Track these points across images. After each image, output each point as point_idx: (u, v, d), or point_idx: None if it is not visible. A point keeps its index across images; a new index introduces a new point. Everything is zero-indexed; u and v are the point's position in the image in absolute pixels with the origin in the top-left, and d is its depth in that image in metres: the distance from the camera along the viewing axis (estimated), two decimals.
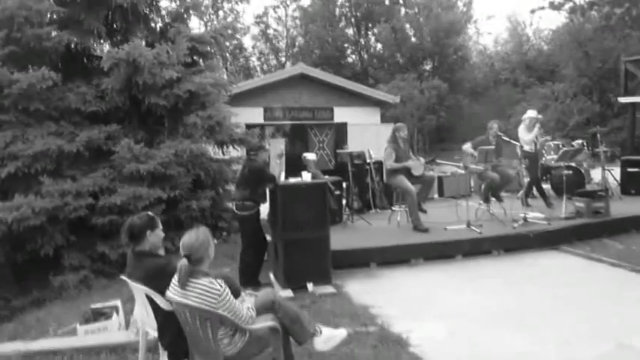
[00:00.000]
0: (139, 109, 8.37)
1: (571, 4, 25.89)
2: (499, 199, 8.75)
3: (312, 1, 31.38)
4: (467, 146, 8.57)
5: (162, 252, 3.75)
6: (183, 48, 8.55)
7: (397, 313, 5.03)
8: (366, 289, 5.90)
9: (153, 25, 9.43)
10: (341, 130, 16.86)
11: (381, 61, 31.10)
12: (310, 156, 9.02)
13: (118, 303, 5.27)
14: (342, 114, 16.99)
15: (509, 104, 27.28)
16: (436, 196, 11.59)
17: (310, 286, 5.77)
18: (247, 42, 34.52)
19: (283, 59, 31.67)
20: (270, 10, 31.63)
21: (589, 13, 26.41)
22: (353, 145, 15.90)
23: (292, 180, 6.26)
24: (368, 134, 15.89)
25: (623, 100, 12.68)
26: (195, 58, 9.39)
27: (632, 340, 4.24)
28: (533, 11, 31.01)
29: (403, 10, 31.34)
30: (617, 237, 7.78)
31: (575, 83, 24.23)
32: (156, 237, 3.54)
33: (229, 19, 30.42)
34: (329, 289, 5.78)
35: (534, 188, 9.76)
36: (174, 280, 3.07)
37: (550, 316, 4.91)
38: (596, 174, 11.78)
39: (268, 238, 6.46)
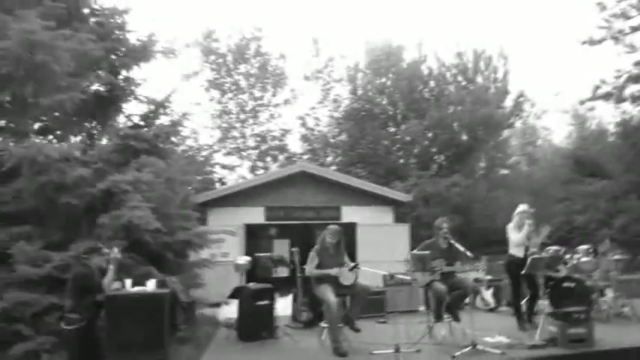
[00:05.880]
0: (56, 208, 7.91)
1: (616, 92, 24.28)
2: (455, 318, 7.16)
3: (350, 101, 31.06)
4: (413, 253, 7.37)
5: None
6: (110, 144, 8.28)
7: None
8: None
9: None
10: (350, 230, 15.70)
11: (415, 157, 29.71)
12: (241, 260, 8.08)
13: None
14: (350, 213, 15.89)
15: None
16: (422, 308, 10.04)
17: None
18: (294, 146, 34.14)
19: (328, 159, 31.36)
20: (309, 112, 31.67)
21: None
22: (363, 246, 14.70)
23: (134, 289, 5.33)
24: (380, 235, 14.80)
25: None
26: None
27: None
28: (582, 102, 29.54)
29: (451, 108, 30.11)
30: None
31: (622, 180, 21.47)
32: None
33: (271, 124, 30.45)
34: None
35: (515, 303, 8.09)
36: None
37: None
38: None
39: None
